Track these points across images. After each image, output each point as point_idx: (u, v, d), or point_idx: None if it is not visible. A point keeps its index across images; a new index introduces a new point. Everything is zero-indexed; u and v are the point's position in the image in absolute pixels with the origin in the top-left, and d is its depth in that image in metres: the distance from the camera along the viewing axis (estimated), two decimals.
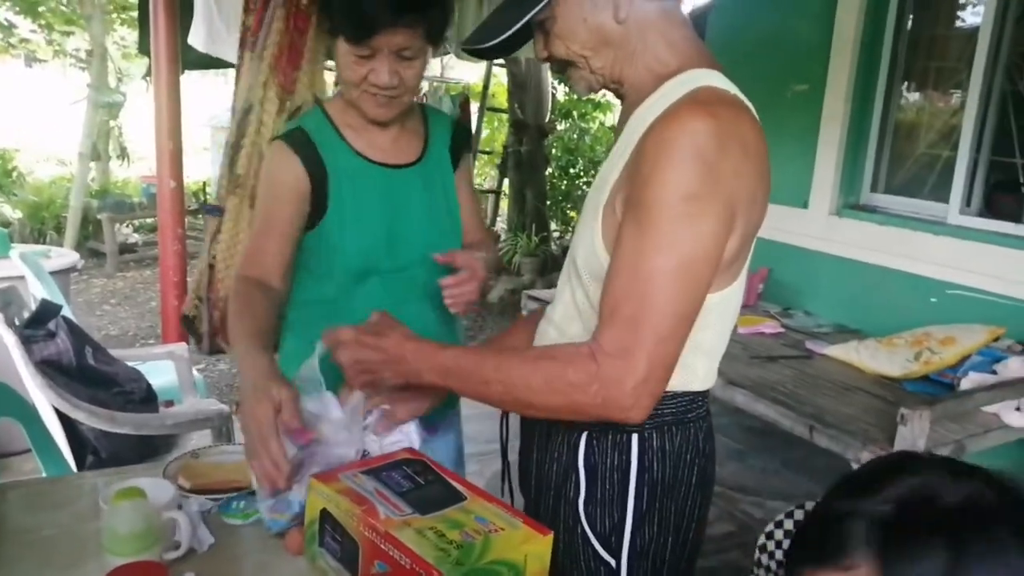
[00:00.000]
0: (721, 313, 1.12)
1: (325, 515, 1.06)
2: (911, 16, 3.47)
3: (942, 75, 3.50)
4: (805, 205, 3.70)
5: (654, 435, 1.15)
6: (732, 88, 1.09)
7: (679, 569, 1.21)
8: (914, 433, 2.17)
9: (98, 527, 1.22)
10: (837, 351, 3.03)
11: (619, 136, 1.14)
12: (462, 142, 1.67)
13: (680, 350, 1.04)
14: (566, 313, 1.19)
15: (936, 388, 2.68)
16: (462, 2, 4.03)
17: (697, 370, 1.15)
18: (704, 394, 1.20)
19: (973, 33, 3.16)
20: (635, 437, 1.14)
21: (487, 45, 1.12)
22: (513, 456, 1.40)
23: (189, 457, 1.39)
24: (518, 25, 1.09)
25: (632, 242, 1.02)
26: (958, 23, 3.46)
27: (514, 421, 1.36)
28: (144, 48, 4.84)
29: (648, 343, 1.00)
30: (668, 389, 1.11)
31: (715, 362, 1.18)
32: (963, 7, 3.41)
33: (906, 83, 3.58)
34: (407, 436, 1.26)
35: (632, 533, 1.15)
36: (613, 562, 1.16)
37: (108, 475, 1.42)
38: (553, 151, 8.32)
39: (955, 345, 2.82)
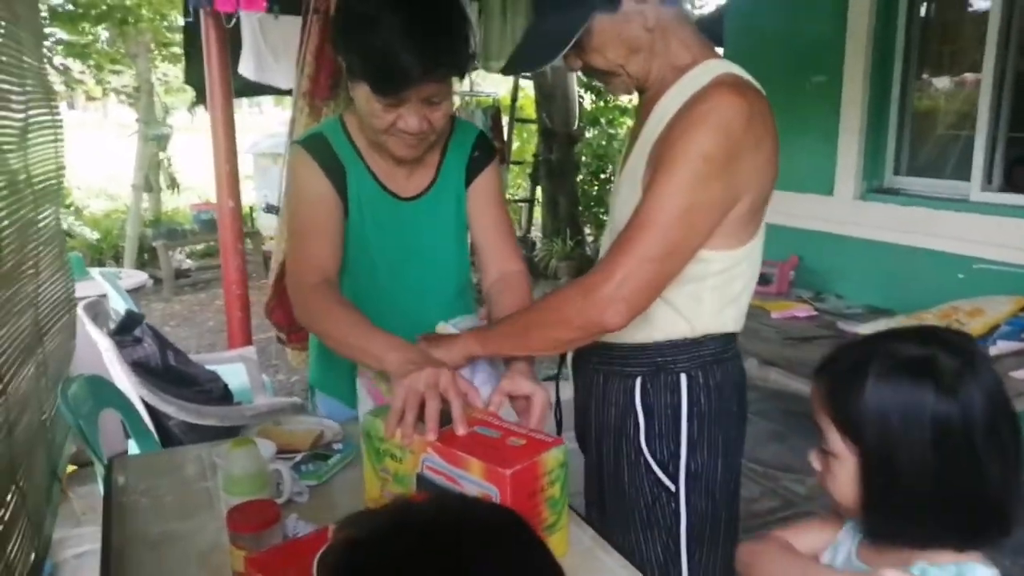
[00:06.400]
0: (750, 263, 1.32)
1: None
2: (923, 3, 3.60)
3: (957, 58, 3.61)
4: (830, 192, 3.82)
5: (699, 373, 1.34)
6: (746, 75, 1.29)
7: (729, 490, 1.41)
8: None
9: (206, 487, 1.43)
10: (868, 329, 3.14)
11: (643, 123, 1.33)
12: (482, 155, 1.59)
13: (665, 279, 1.22)
14: None
15: None
16: (487, 19, 4.24)
17: (728, 316, 1.34)
18: (734, 335, 1.39)
19: (984, 16, 3.28)
20: (683, 376, 1.34)
21: (538, 68, 1.34)
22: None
23: (271, 423, 1.59)
24: (565, 49, 1.24)
25: (650, 188, 1.21)
26: (969, 8, 3.57)
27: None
28: (190, 80, 5.12)
29: (632, 259, 1.18)
30: (707, 332, 1.32)
31: (743, 308, 1.37)
32: None
33: (922, 68, 3.69)
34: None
35: (687, 459, 1.35)
36: (672, 486, 1.36)
37: (207, 447, 1.62)
38: (583, 158, 8.50)
39: (983, 316, 2.93)
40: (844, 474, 1.00)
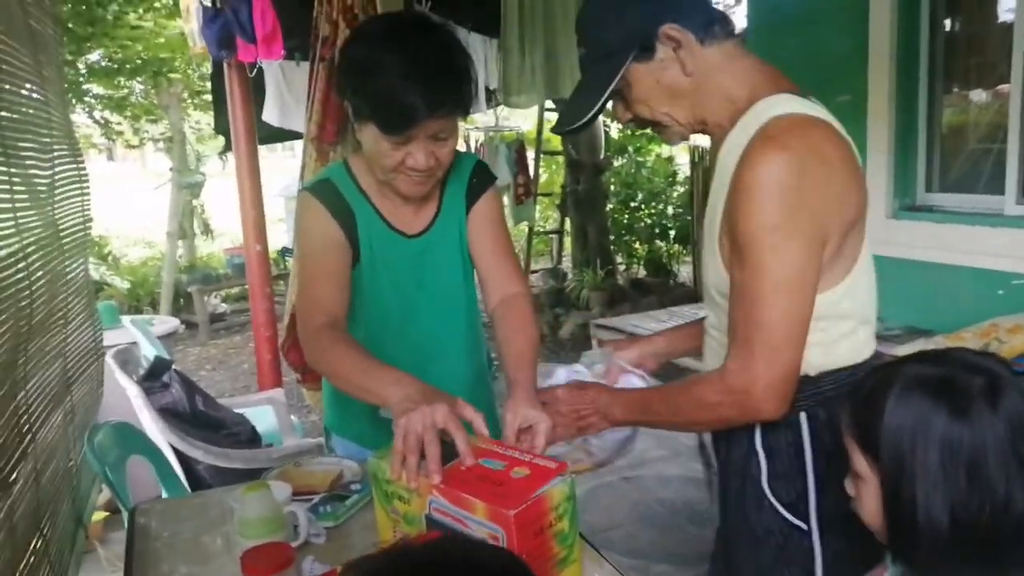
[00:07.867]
0: (853, 298, 1.24)
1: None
2: (945, 18, 3.55)
3: (984, 71, 3.54)
4: None
5: (819, 411, 1.26)
6: (801, 106, 1.19)
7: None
8: None
9: (224, 531, 1.42)
10: (906, 350, 3.05)
11: (715, 170, 1.28)
12: (479, 181, 1.61)
13: (798, 353, 1.18)
14: (720, 332, 1.32)
15: None
16: (506, 55, 4.26)
17: (841, 350, 1.25)
18: (859, 366, 1.27)
19: (1009, 28, 3.21)
20: (803, 415, 1.26)
21: (579, 124, 1.29)
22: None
23: (291, 465, 1.58)
24: (601, 101, 1.24)
25: (737, 274, 1.19)
26: (994, 20, 3.51)
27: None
28: (220, 128, 5.23)
29: (762, 356, 1.16)
30: (821, 370, 1.24)
31: (860, 339, 1.27)
32: (996, 2, 3.46)
33: (949, 82, 3.62)
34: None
35: (816, 497, 1.27)
36: (804, 525, 1.28)
37: (229, 491, 1.62)
38: (612, 187, 8.49)
39: (1023, 333, 2.83)
40: (869, 496, 1.01)
